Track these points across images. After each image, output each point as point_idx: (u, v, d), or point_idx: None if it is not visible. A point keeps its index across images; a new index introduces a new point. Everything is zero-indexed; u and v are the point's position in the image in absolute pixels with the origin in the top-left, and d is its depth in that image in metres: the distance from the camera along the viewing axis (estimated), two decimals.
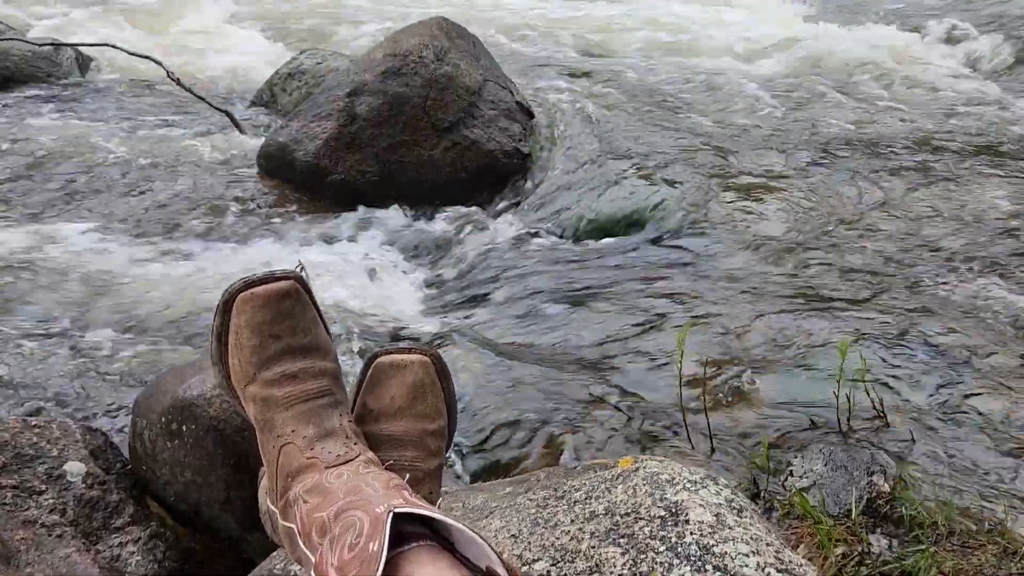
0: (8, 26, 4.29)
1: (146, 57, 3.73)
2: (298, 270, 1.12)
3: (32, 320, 2.10)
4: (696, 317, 2.06)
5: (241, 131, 3.30)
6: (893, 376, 1.81)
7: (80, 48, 3.93)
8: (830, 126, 3.31)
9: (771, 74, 4.11)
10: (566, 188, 2.80)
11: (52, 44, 3.86)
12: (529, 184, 2.88)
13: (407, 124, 2.84)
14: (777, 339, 1.97)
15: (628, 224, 2.60)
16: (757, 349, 1.93)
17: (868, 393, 1.63)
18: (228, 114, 3.37)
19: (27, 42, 3.83)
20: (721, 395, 1.76)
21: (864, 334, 1.95)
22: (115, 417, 1.82)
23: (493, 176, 2.92)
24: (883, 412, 1.65)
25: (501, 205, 2.83)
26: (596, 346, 1.98)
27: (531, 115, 3.19)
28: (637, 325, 2.05)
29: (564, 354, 1.95)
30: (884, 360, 1.86)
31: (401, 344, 1.15)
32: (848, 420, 1.62)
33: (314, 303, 1.11)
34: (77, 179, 2.78)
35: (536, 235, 2.63)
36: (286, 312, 1.03)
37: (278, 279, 1.04)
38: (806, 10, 5.50)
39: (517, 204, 2.82)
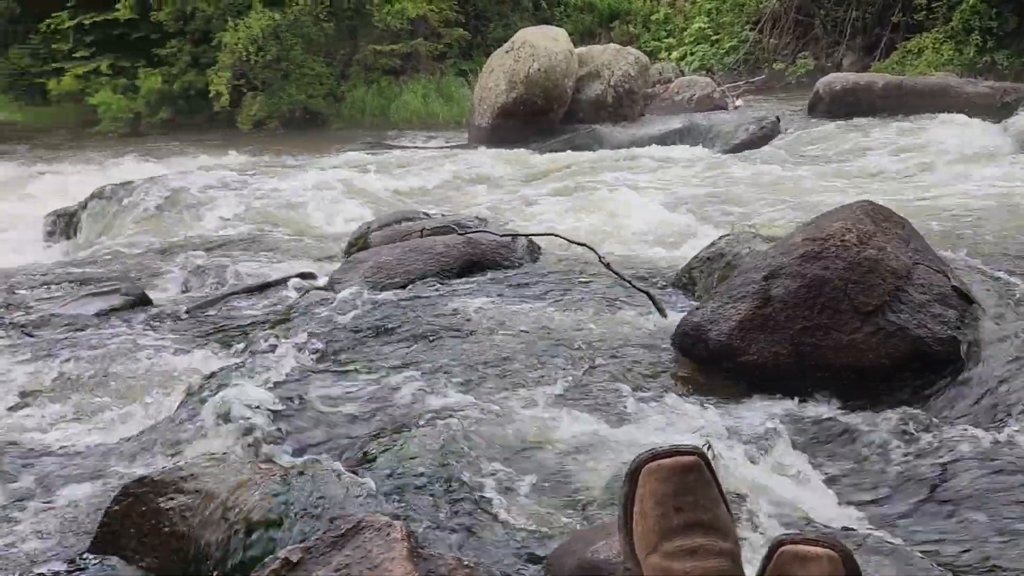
0: (481, 219, 5.19)
1: (582, 244, 4.24)
2: (704, 447, 1.16)
3: (444, 471, 2.26)
4: None
5: (660, 312, 3.51)
6: None
7: (531, 237, 4.59)
8: None
9: None
10: (1009, 388, 2.46)
11: (510, 235, 4.56)
12: (964, 378, 2.58)
13: (825, 307, 2.77)
14: None
15: None
16: None
17: None
18: (649, 295, 3.62)
19: (492, 233, 4.58)
20: None
21: None
22: (529, 574, 1.94)
23: (921, 365, 2.68)
24: None
25: (930, 399, 2.56)
26: None
27: (970, 301, 2.90)
28: None
29: None
30: None
31: (808, 535, 1.10)
32: None
33: (716, 482, 1.12)
34: (512, 352, 3.16)
35: (972, 438, 2.31)
36: (689, 486, 1.06)
37: (683, 453, 1.09)
38: None
39: (948, 399, 2.53)
